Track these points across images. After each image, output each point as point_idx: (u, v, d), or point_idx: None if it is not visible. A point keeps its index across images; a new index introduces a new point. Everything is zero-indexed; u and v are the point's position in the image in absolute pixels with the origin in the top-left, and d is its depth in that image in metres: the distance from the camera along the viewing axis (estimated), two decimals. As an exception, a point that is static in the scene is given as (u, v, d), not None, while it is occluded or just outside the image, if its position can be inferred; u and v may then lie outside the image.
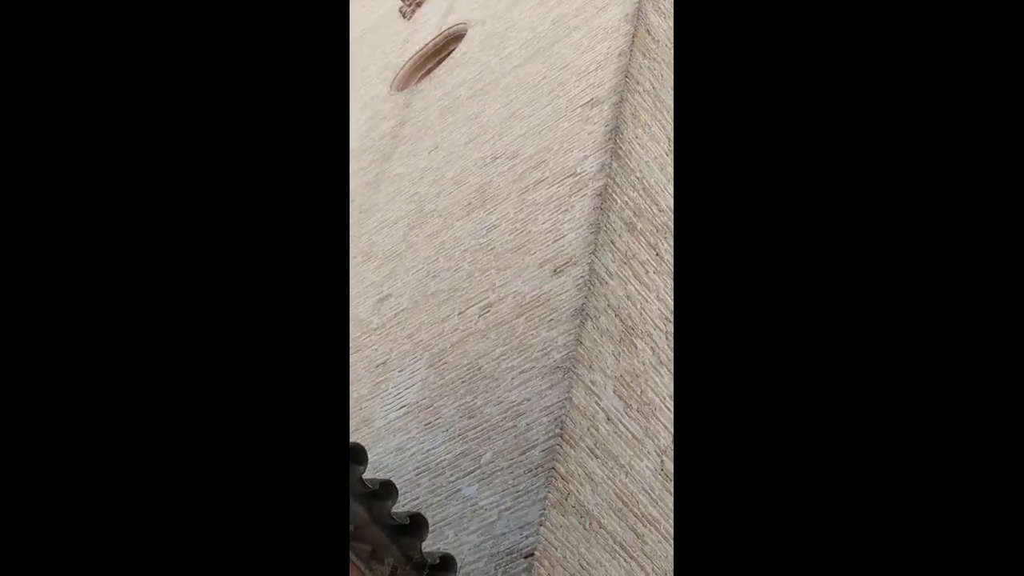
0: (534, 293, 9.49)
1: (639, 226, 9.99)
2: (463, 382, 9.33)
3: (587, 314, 8.93)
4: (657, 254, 10.01)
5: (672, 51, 11.89)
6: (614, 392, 8.78)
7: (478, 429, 8.82)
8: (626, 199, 10.04)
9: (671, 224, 10.35)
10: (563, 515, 7.85)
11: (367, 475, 6.91)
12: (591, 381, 8.63)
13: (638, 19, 11.67)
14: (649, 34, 11.73)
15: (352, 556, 6.81)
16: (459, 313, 10.07)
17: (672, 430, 9.04)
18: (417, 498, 8.62)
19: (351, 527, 6.77)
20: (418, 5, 16.69)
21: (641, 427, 8.86)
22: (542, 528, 7.67)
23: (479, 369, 9.32)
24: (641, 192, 10.26)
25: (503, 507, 8.03)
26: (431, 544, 7.51)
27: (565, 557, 7.71)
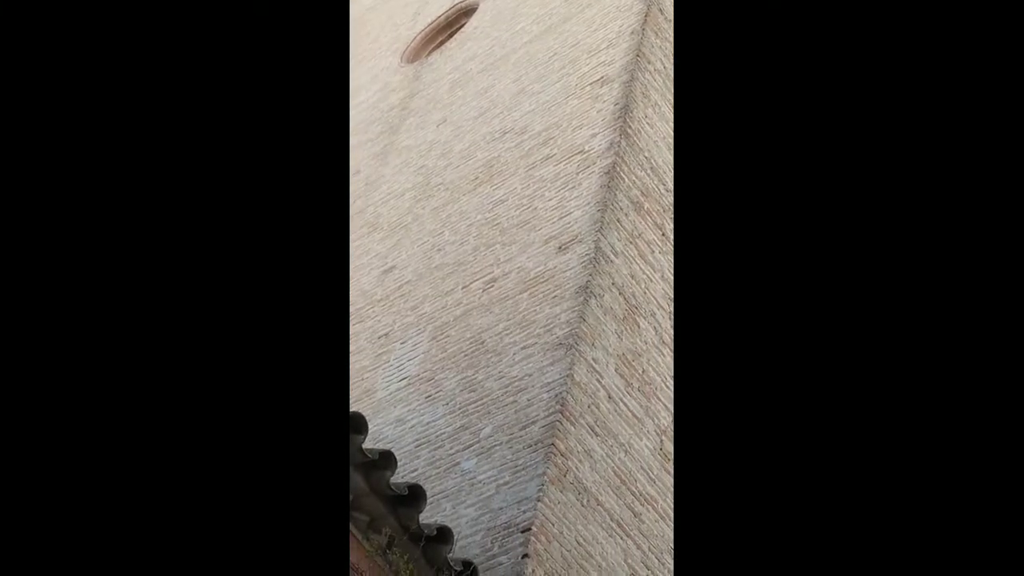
0: (539, 269, 9.49)
1: (646, 206, 9.99)
2: (465, 356, 9.34)
3: (591, 292, 8.93)
4: (663, 234, 10.01)
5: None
6: (616, 371, 8.79)
7: (479, 403, 8.84)
8: (634, 178, 10.04)
9: (678, 204, 10.35)
10: (561, 491, 7.87)
11: (367, 445, 6.93)
12: (593, 359, 8.64)
13: (651, -2, 11.65)
14: (661, 13, 11.69)
15: (350, 526, 6.84)
16: (463, 287, 10.07)
17: (672, 410, 9.06)
18: (416, 470, 8.65)
19: (350, 497, 6.80)
20: (431, -23, 16.65)
21: (642, 406, 8.88)
22: (539, 503, 7.69)
23: (482, 343, 9.33)
24: (649, 172, 10.25)
25: (501, 481, 8.05)
26: (428, 516, 7.53)
27: (562, 533, 7.74)
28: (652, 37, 11.31)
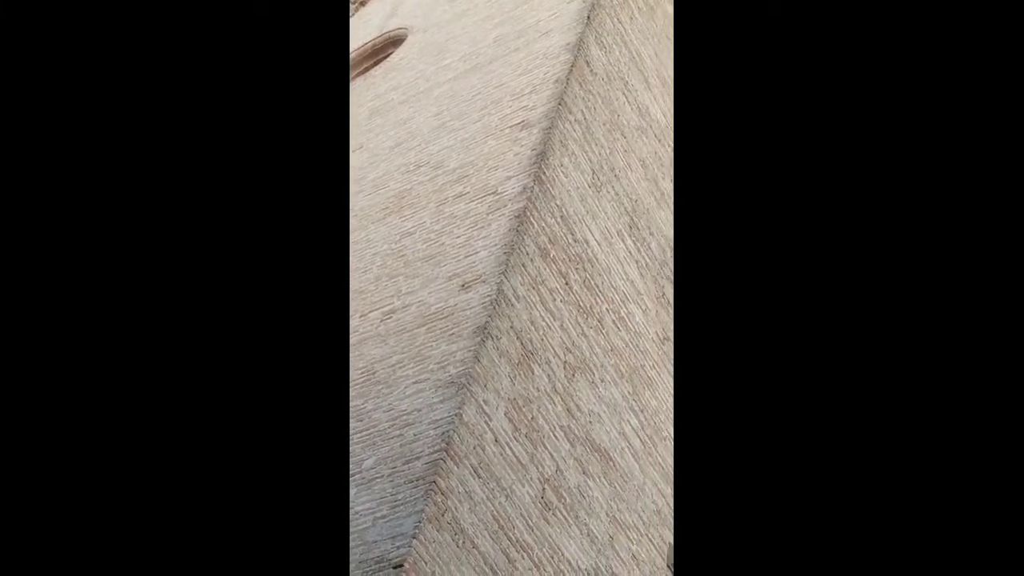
0: (439, 305, 9.44)
1: (552, 253, 9.99)
2: (356, 385, 9.25)
3: (489, 333, 8.89)
4: (567, 283, 10.02)
5: (607, 85, 11.94)
6: (505, 414, 8.75)
7: (364, 433, 8.74)
8: (543, 224, 10.04)
9: (584, 255, 10.36)
10: (438, 530, 7.79)
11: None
12: (484, 400, 8.59)
13: (579, 49, 11.71)
14: (588, 65, 11.76)
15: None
16: (361, 315, 9.99)
17: (556, 459, 9.03)
18: (293, 495, 8.52)
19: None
20: (362, 4, 16.61)
21: (527, 452, 8.84)
22: (415, 540, 7.60)
23: (373, 374, 9.24)
24: (559, 219, 10.26)
25: (379, 515, 7.95)
26: (301, 543, 7.40)
27: (434, 572, 7.65)
28: (576, 87, 11.36)
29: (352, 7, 16.64)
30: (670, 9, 14.15)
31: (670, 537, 9.88)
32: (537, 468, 8.87)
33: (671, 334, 11.14)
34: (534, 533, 8.58)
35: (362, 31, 15.71)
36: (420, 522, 7.71)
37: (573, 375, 9.60)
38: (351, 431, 8.85)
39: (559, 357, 9.58)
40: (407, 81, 13.45)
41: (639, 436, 10.15)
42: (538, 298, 9.62)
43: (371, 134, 12.80)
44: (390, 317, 9.73)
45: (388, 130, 12.63)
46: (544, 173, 10.31)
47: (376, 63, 14.78)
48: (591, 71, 11.77)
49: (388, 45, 14.98)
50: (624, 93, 12.22)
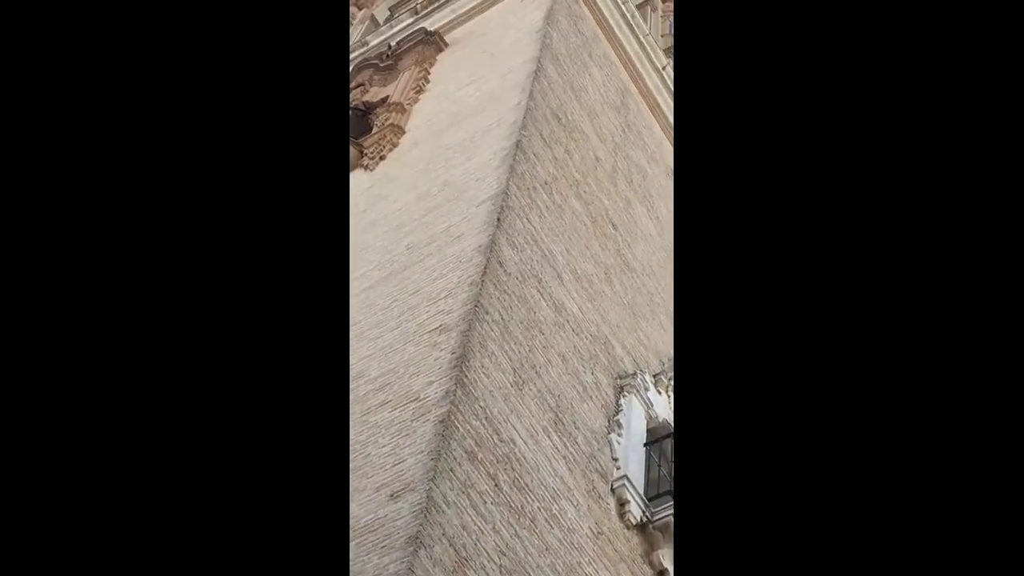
0: (369, 518, 9.33)
1: (479, 455, 9.95)
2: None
3: (421, 542, 8.78)
4: (496, 484, 9.96)
5: (522, 284, 12.09)
6: (443, 625, 8.59)
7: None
8: (468, 427, 10.02)
9: (511, 455, 10.34)
10: None
11: None
12: (421, 612, 8.43)
13: (491, 250, 11.88)
14: (501, 266, 11.92)
15: None
16: (290, 533, 9.83)
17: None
18: None
19: None
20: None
21: (469, 663, 8.66)
22: None
23: (306, 593, 9.05)
24: (484, 421, 10.26)
25: None
26: None
27: None
28: (491, 288, 11.49)
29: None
30: (578, 206, 14.44)
31: None
32: (480, 678, 8.68)
33: (604, 528, 11.07)
34: None
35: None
36: None
37: (510, 578, 9.48)
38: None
39: (494, 561, 9.47)
40: (323, 293, 13.52)
41: (581, 635, 10.00)
42: (469, 502, 9.55)
43: (290, 348, 12.79)
44: (320, 533, 9.60)
45: (307, 343, 12.63)
46: (466, 376, 10.34)
47: (291, 277, 14.87)
48: (504, 271, 11.92)
49: (302, 259, 15.10)
50: (539, 290, 12.37)
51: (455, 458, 9.66)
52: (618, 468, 11.69)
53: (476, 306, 11.11)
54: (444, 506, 9.24)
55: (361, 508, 9.48)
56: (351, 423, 10.58)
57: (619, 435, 12.10)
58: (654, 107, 18.40)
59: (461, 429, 9.93)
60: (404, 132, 16.62)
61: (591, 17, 18.84)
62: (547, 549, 10.09)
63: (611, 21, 19.23)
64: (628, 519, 11.37)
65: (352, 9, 24.87)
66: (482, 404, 10.38)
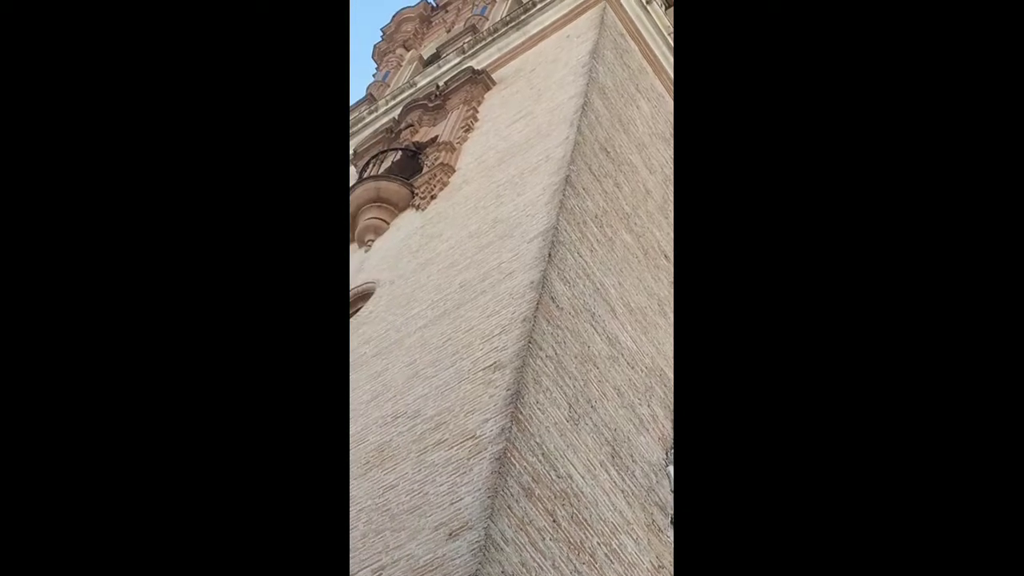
0: (428, 557, 9.33)
1: (537, 492, 9.94)
2: (351, 647, 9.06)
3: (481, 580, 8.77)
4: (554, 520, 9.94)
5: (575, 319, 12.09)
6: (505, 663, 8.57)
7: None
8: (525, 464, 10.02)
9: (569, 490, 10.32)
10: None
11: None
12: (482, 651, 8.42)
13: (543, 286, 11.90)
14: (553, 301, 11.93)
15: None
16: (351, 575, 9.85)
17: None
18: None
19: None
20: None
21: None
22: None
23: (368, 634, 9.07)
24: (540, 457, 10.25)
25: None
26: None
27: None
28: (544, 324, 11.50)
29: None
30: (629, 239, 14.44)
31: None
32: None
33: (666, 562, 11.01)
34: None
35: (330, 289, 15.95)
36: None
37: (570, 614, 9.45)
38: None
39: (554, 597, 9.44)
40: (378, 334, 13.59)
41: (645, 670, 9.94)
42: (527, 539, 9.53)
43: (347, 390, 12.85)
44: (380, 574, 9.61)
45: (363, 384, 12.69)
46: (521, 412, 10.35)
47: (346, 319, 14.95)
48: (557, 307, 11.93)
49: (357, 300, 15.18)
50: (592, 324, 12.37)
51: (512, 495, 9.65)
52: (677, 500, 11.64)
53: (529, 342, 11.13)
54: (503, 544, 9.23)
55: (420, 548, 9.49)
56: (408, 462, 10.61)
57: (677, 467, 12.05)
58: (703, 137, 18.39)
59: (518, 466, 9.93)
60: (454, 171, 16.73)
61: (637, 50, 18.89)
62: (608, 584, 10.05)
63: (657, 53, 19.27)
64: (689, 552, 11.31)
65: (399, 50, 25.08)
66: (538, 440, 10.37)
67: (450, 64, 20.88)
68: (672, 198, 16.34)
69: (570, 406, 11.04)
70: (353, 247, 16.75)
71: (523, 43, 19.62)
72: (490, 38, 20.47)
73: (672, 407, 12.79)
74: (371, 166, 18.23)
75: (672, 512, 11.51)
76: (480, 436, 10.26)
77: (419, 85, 21.09)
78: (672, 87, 18.95)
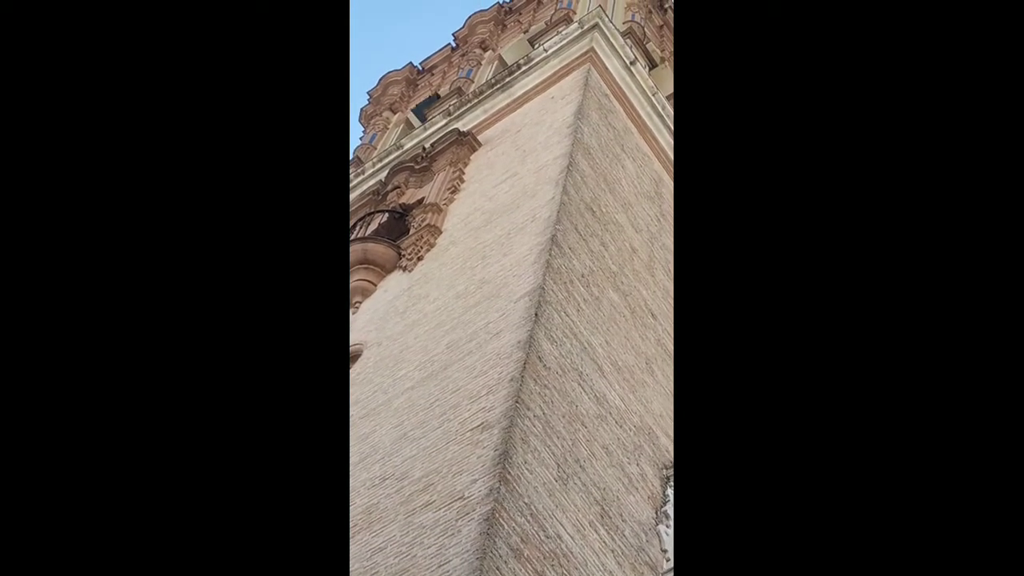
0: (417, 620, 9.27)
1: (526, 552, 9.89)
2: None
3: (470, 643, 8.71)
4: (543, 581, 9.88)
5: (562, 378, 12.08)
6: None
7: None
8: (513, 524, 9.97)
9: (558, 550, 10.27)
10: None
11: None
12: None
13: (530, 346, 11.90)
14: (541, 361, 11.93)
15: None
16: (339, 639, 9.77)
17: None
18: None
19: None
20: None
21: None
22: None
23: None
24: (529, 518, 10.21)
25: None
26: None
27: None
28: (531, 384, 11.49)
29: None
30: (615, 298, 14.46)
31: None
32: None
33: (656, 621, 10.95)
34: None
35: (318, 351, 15.93)
36: None
37: (561, 676, 9.37)
38: None
39: (544, 659, 9.37)
40: (366, 395, 13.57)
41: None
42: (516, 600, 9.47)
43: (334, 452, 12.81)
44: (368, 638, 9.53)
45: (352, 446, 12.65)
46: (509, 473, 10.31)
47: (334, 381, 14.92)
48: (544, 366, 11.93)
49: (344, 362, 15.17)
50: (579, 384, 12.36)
51: (501, 556, 9.60)
52: (668, 560, 11.58)
53: (517, 402, 11.11)
54: (492, 605, 9.17)
55: (409, 610, 9.43)
56: (396, 524, 10.55)
57: (667, 526, 12.00)
58: (689, 196, 18.48)
59: (506, 526, 9.88)
60: (441, 232, 16.77)
61: (622, 111, 19.02)
62: (598, 645, 9.99)
63: (642, 113, 19.39)
64: (680, 611, 11.24)
65: (386, 113, 25.21)
66: (527, 500, 10.33)
67: (437, 126, 20.99)
68: (658, 256, 16.39)
69: (558, 466, 11.01)
70: (340, 309, 16.76)
71: (508, 104, 19.75)
72: (476, 100, 20.60)
73: (661, 466, 12.76)
74: (358, 228, 18.28)
75: (663, 572, 11.46)
76: (468, 497, 10.21)
77: (406, 147, 21.19)
78: (656, 148, 19.06)
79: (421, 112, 22.42)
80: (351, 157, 23.39)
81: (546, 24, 23.00)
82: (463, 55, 25.41)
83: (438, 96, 23.15)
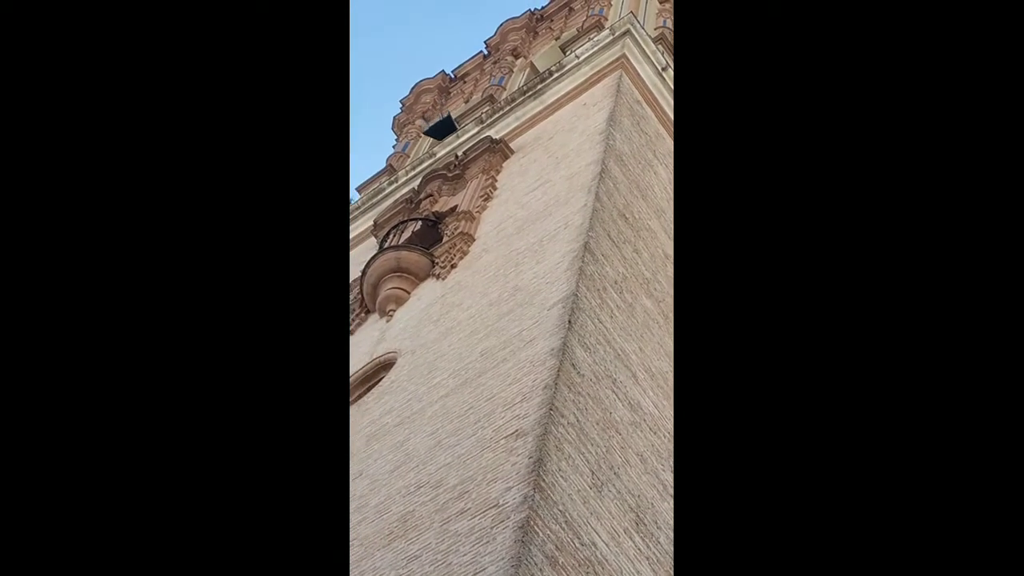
0: (452, 628, 9.29)
1: (561, 560, 9.90)
2: None
3: (505, 651, 8.73)
4: (579, 589, 9.89)
5: (596, 386, 12.09)
6: None
7: None
8: (548, 532, 9.98)
9: (593, 558, 10.27)
10: None
11: None
12: None
13: (564, 353, 11.91)
14: (574, 368, 11.94)
15: None
16: (375, 647, 9.81)
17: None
18: None
19: None
20: (351, 332, 16.95)
21: None
22: None
23: None
24: (563, 525, 10.22)
25: None
26: None
27: None
28: (565, 391, 11.50)
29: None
30: (649, 304, 14.46)
31: None
32: None
33: (692, 628, 10.94)
34: None
35: (352, 358, 15.98)
36: None
37: None
38: None
39: (580, 667, 9.37)
40: (400, 403, 13.60)
41: None
42: (552, 608, 9.48)
43: (370, 460, 12.85)
44: (405, 645, 9.56)
45: (386, 454, 12.69)
46: (544, 480, 10.33)
47: (368, 389, 14.97)
48: (578, 373, 11.94)
49: (379, 370, 15.21)
50: (613, 391, 12.36)
51: (536, 564, 9.61)
52: (703, 566, 11.57)
53: (551, 409, 11.12)
54: (527, 613, 9.18)
55: (444, 618, 9.46)
56: (432, 532, 10.58)
57: (702, 533, 11.99)
58: (721, 201, 18.46)
59: (541, 534, 9.89)
60: (474, 240, 16.81)
61: (653, 117, 19.01)
62: (634, 652, 9.98)
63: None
64: (716, 618, 11.22)
65: (419, 121, 25.29)
66: (561, 508, 10.34)
67: (469, 134, 21.04)
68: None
69: (593, 473, 11.02)
70: (374, 317, 16.80)
71: (540, 112, 19.77)
72: (508, 107, 20.64)
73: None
74: (391, 236, 18.33)
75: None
76: (503, 505, 10.23)
77: (438, 155, 21.25)
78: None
79: (437, 128, 22.43)
80: (385, 165, 23.44)
81: (578, 31, 23.03)
82: (495, 62, 25.47)
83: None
